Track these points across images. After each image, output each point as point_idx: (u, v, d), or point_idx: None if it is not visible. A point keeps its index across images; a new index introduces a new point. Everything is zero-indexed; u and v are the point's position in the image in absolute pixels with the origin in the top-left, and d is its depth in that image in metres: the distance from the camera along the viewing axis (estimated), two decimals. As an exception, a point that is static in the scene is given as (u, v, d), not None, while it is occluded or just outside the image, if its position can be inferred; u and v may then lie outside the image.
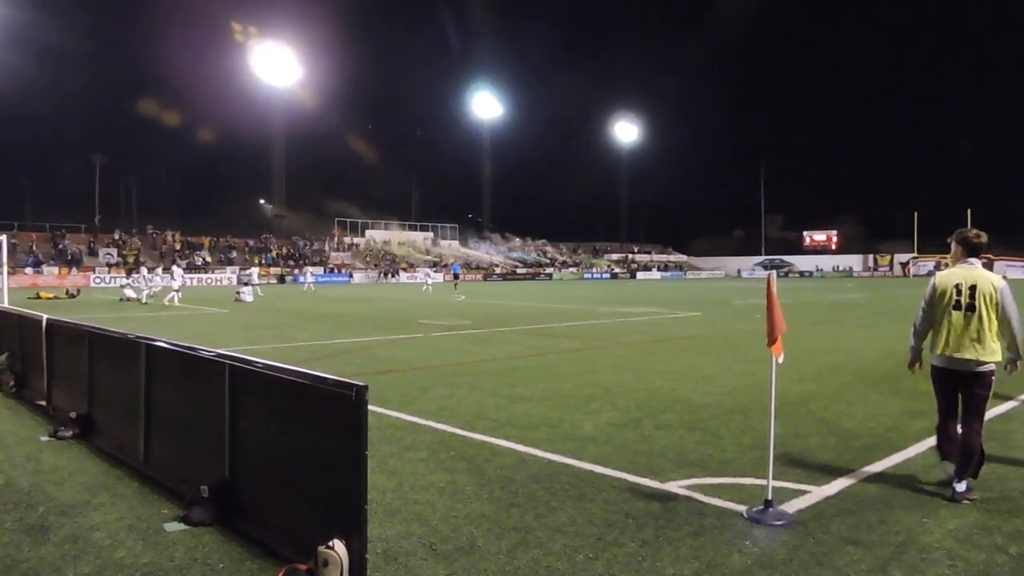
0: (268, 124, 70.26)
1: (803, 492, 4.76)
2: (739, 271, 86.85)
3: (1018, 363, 4.82)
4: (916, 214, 76.73)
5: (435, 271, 58.21)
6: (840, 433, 6.40)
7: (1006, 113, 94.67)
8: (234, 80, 67.18)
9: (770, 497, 4.36)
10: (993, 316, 4.67)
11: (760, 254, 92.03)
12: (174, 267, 29.53)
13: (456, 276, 49.41)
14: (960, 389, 4.84)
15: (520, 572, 3.57)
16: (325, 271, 59.33)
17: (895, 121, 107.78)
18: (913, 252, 78.77)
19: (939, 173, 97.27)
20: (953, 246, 5.04)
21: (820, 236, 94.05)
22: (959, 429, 4.89)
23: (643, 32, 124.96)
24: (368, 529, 3.39)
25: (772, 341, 4.56)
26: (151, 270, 33.33)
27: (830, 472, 5.21)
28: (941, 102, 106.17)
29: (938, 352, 4.82)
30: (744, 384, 8.88)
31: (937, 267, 70.07)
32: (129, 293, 30.06)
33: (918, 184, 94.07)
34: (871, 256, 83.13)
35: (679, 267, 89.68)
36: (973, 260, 4.92)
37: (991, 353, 4.65)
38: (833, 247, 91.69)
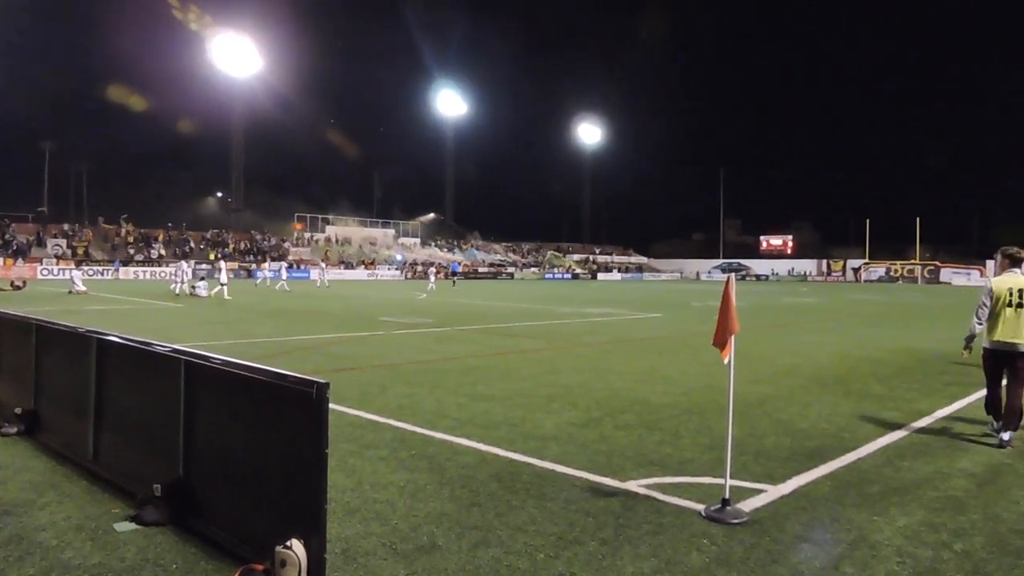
0: (227, 115, 69.03)
1: (759, 491, 4.85)
2: (698, 274, 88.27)
3: None
4: (868, 222, 79.15)
5: (394, 268, 57.99)
6: (795, 434, 6.53)
7: (955, 128, 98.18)
8: (192, 69, 65.69)
9: (727, 496, 4.43)
10: None
11: (719, 257, 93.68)
12: (220, 262, 31.18)
13: (455, 274, 53.14)
14: (1008, 365, 6.34)
15: (481, 571, 3.56)
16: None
17: (849, 133, 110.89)
18: (865, 258, 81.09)
19: (890, 184, 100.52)
20: (999, 259, 6.66)
21: (776, 241, 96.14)
22: (1004, 395, 6.40)
23: (607, 38, 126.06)
24: (327, 529, 3.34)
25: (721, 342, 4.62)
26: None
27: (785, 471, 5.32)
28: (893, 117, 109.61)
29: (994, 338, 6.38)
30: (702, 385, 9.01)
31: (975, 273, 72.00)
32: (79, 286, 29.18)
33: (870, 193, 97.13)
34: (825, 261, 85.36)
35: (639, 269, 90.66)
36: (1016, 269, 6.47)
37: None
38: (789, 252, 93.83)
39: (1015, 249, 6.60)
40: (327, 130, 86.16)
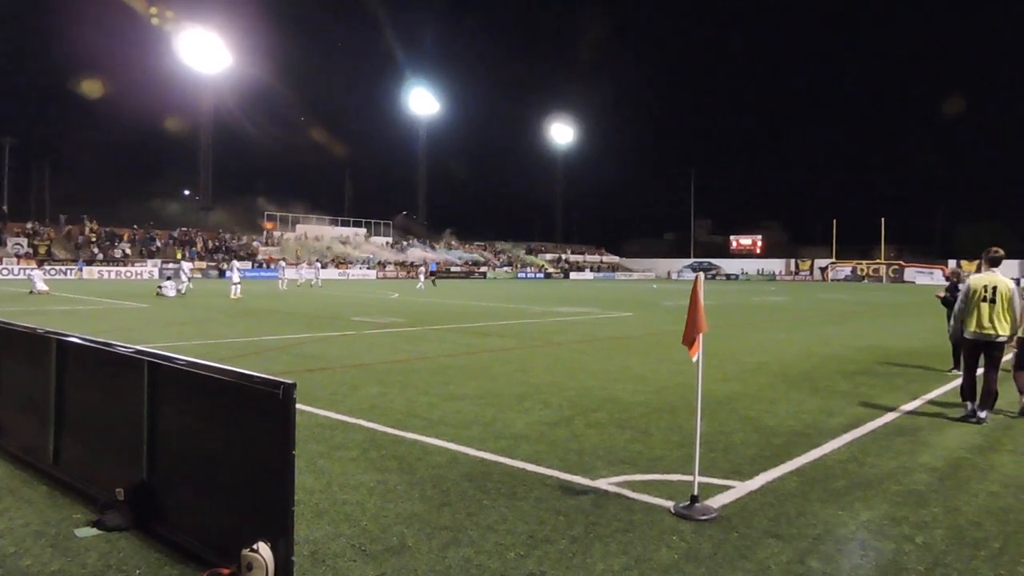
0: (195, 113, 67.81)
1: (728, 487, 4.91)
2: (669, 273, 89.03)
3: (1015, 338, 7.28)
4: (835, 222, 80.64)
5: (366, 268, 57.77)
6: (763, 430, 6.62)
7: (919, 132, 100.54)
8: (159, 65, 64.46)
9: (696, 493, 4.48)
10: (1006, 306, 7.03)
11: (690, 257, 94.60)
12: (234, 262, 32.77)
13: (433, 273, 53.85)
14: (983, 353, 7.20)
15: (451, 571, 3.55)
16: (253, 266, 57.68)
17: (817, 136, 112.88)
18: (832, 257, 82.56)
19: (856, 185, 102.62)
20: (983, 260, 7.38)
21: (746, 240, 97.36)
22: (980, 381, 7.24)
23: (579, 38, 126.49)
24: (295, 531, 3.30)
25: (690, 341, 4.67)
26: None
27: (753, 468, 5.39)
28: (859, 121, 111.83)
29: (972, 329, 7.17)
30: (673, 383, 9.09)
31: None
32: (40, 286, 28.48)
33: (837, 194, 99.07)
34: (793, 260, 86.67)
35: (612, 268, 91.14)
36: (994, 269, 7.20)
37: (1004, 329, 7.05)
38: (758, 251, 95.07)
39: (995, 250, 7.33)
40: (298, 128, 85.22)
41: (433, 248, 79.58)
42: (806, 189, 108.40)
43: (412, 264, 65.07)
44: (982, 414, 7.10)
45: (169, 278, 30.59)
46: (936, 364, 10.94)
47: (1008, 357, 7.82)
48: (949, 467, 5.57)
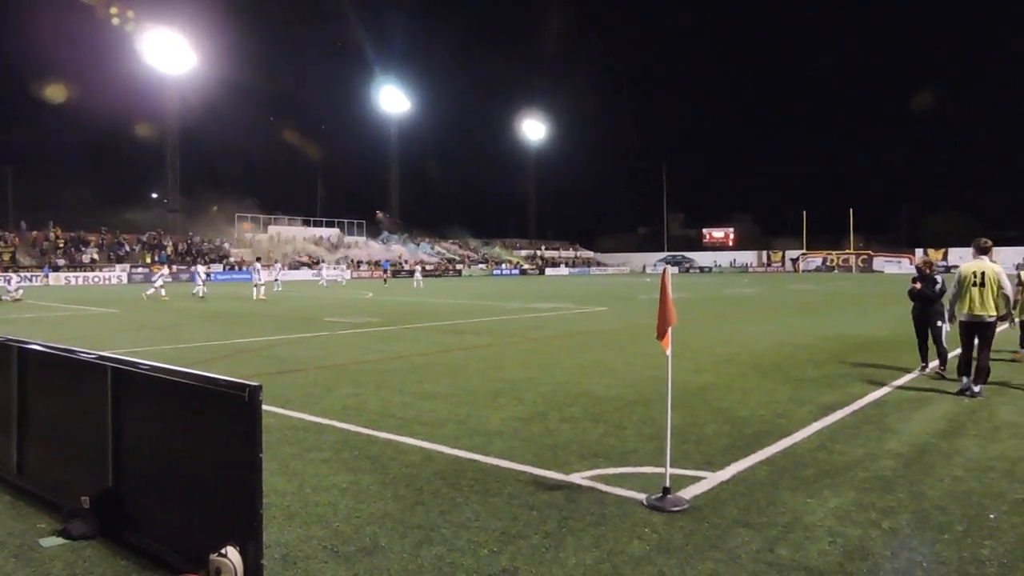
0: (161, 114, 66.48)
1: (699, 478, 4.96)
2: (644, 267, 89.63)
3: (1006, 319, 8.29)
4: (805, 213, 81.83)
5: (341, 267, 57.43)
6: (734, 421, 6.70)
7: (884, 125, 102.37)
8: (122, 66, 63.05)
9: (668, 485, 4.52)
10: (995, 289, 7.75)
11: (663, 250, 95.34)
12: (257, 263, 33.54)
13: (386, 271, 55.21)
14: (977, 333, 7.86)
15: (424, 570, 3.54)
16: (224, 268, 56.96)
17: (787, 129, 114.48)
18: (802, 249, 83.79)
19: (825, 178, 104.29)
20: (973, 249, 8.12)
21: (719, 233, 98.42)
22: (976, 357, 7.86)
23: (550, 34, 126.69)
24: (266, 534, 3.28)
25: (661, 334, 4.71)
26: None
27: (724, 458, 5.45)
28: (827, 114, 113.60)
29: (965, 311, 7.90)
30: (646, 376, 9.15)
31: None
32: (13, 293, 27.88)
33: (807, 187, 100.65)
34: (765, 252, 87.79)
35: (587, 263, 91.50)
36: (982, 256, 7.96)
37: (993, 311, 7.78)
38: (730, 244, 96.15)
39: (983, 240, 8.18)
40: (267, 128, 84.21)
41: (407, 245, 79.16)
42: (776, 182, 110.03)
43: (405, 262, 64.88)
44: (976, 388, 7.79)
45: (160, 272, 30.81)
46: (903, 352, 11.13)
47: (1002, 329, 8.56)
48: (915, 452, 5.68)
